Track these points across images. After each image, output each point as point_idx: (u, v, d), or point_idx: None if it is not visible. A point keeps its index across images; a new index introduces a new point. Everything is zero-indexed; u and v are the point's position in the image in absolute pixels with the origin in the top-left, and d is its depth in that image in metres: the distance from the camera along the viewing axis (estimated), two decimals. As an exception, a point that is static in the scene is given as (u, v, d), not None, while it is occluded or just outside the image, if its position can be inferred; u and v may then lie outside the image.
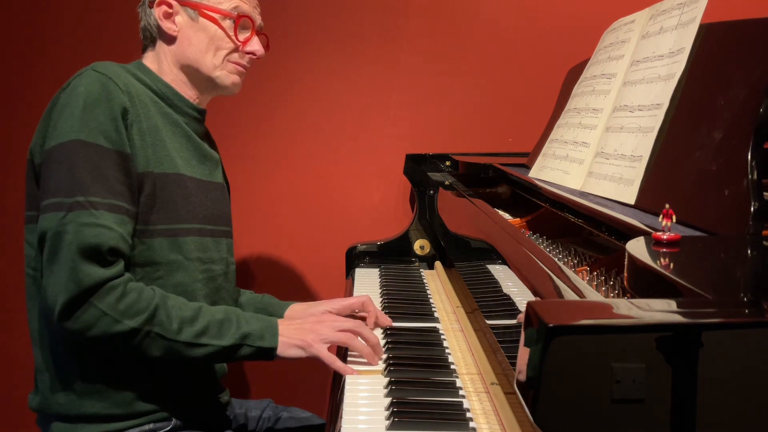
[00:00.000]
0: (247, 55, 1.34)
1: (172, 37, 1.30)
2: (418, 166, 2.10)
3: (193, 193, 1.28)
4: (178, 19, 1.30)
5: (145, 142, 1.20)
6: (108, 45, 2.12)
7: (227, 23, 1.30)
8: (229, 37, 1.30)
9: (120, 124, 1.16)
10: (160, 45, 1.32)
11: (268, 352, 1.18)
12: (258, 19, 1.36)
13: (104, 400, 1.19)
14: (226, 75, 1.33)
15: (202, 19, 1.29)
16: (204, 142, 1.36)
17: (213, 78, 1.32)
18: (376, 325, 1.37)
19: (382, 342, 1.30)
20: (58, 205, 1.11)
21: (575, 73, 1.63)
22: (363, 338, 1.21)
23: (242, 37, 1.32)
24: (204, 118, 1.38)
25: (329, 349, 1.21)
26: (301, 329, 1.21)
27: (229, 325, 1.17)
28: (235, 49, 1.32)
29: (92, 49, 2.14)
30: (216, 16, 1.30)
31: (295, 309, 1.44)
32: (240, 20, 1.31)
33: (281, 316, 1.43)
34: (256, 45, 1.34)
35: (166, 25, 1.29)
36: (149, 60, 1.33)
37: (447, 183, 1.88)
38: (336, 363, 1.17)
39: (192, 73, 1.32)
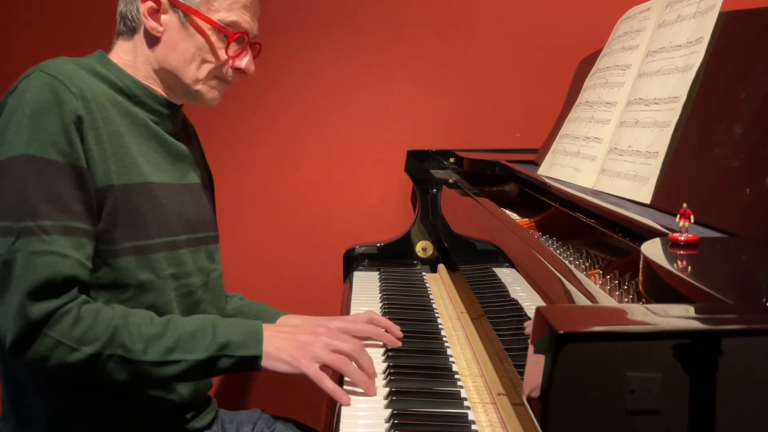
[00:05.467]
0: (236, 71, 1.29)
1: (155, 38, 1.24)
2: (420, 163, 2.10)
3: (164, 202, 1.23)
4: (164, 18, 1.23)
5: (105, 152, 1.14)
6: (66, 35, 2.09)
7: (220, 36, 1.24)
8: (216, 53, 1.24)
9: (73, 135, 1.10)
10: (139, 39, 1.25)
11: (252, 362, 1.13)
12: (254, 30, 1.30)
13: (75, 429, 1.17)
14: (207, 90, 1.27)
15: (193, 26, 1.23)
16: (178, 140, 1.30)
17: (192, 91, 1.26)
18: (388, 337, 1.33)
19: (381, 350, 1.30)
20: (7, 230, 1.06)
21: (587, 65, 1.63)
22: (359, 366, 1.14)
23: (233, 49, 1.26)
24: (177, 113, 1.32)
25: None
26: (291, 340, 1.15)
27: (203, 336, 1.12)
28: (224, 64, 1.27)
29: (47, 40, 2.10)
30: (208, 28, 1.23)
31: (288, 322, 1.39)
32: (235, 37, 1.25)
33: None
34: (249, 63, 1.29)
35: (150, 24, 1.22)
36: (122, 51, 1.26)
37: (451, 181, 1.88)
38: (324, 382, 1.10)
39: (170, 79, 1.26)
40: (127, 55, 1.26)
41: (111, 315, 1.10)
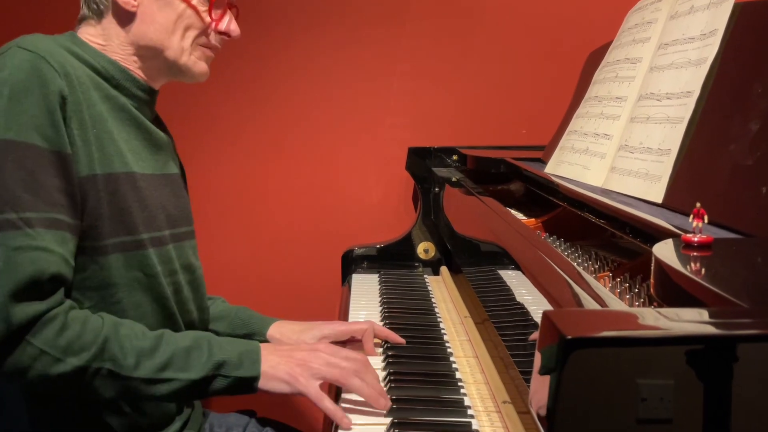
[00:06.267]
0: (220, 36, 1.26)
1: (129, 14, 1.18)
2: (421, 161, 2.10)
3: (149, 195, 1.20)
4: None
5: (88, 138, 1.10)
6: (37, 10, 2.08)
7: None
8: (198, 17, 1.22)
9: (58, 117, 1.05)
10: (110, 21, 1.20)
11: (249, 383, 1.10)
12: None
13: None
14: (194, 62, 1.24)
15: None
16: (156, 127, 1.28)
17: (179, 64, 1.23)
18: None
19: (381, 357, 1.30)
20: None
21: (596, 58, 1.63)
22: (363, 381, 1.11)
23: (215, 12, 1.24)
24: (155, 99, 1.30)
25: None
26: (289, 358, 1.12)
27: (198, 354, 1.09)
28: (206, 29, 1.24)
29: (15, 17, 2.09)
30: None
31: (282, 329, 1.38)
32: None
33: (264, 334, 1.39)
34: (232, 24, 1.26)
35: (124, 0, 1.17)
36: (91, 35, 1.21)
37: (454, 179, 1.88)
38: (324, 402, 1.08)
39: (152, 56, 1.22)
40: (98, 39, 1.21)
41: (100, 324, 1.07)
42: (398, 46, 2.18)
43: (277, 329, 1.39)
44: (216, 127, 2.19)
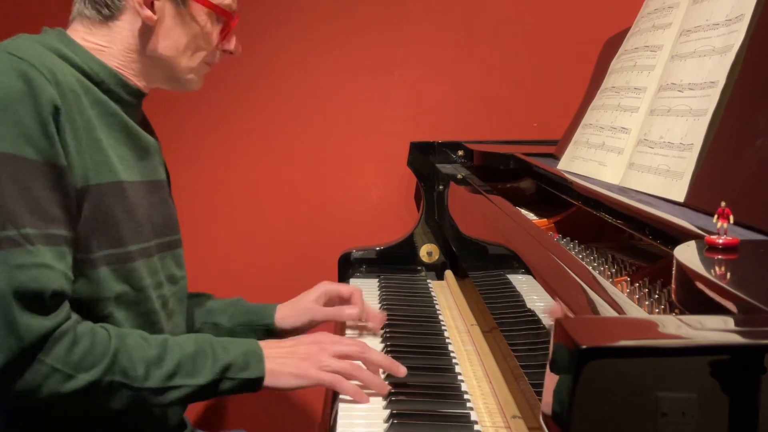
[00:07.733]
0: (223, 53, 1.34)
1: (145, 26, 1.23)
2: (425, 157, 2.10)
3: (136, 204, 1.23)
4: (158, 5, 1.22)
5: (82, 147, 1.13)
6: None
7: (214, 19, 1.28)
8: (209, 39, 1.28)
9: (51, 128, 1.07)
10: (120, 26, 1.23)
11: (255, 383, 1.17)
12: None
13: None
14: (198, 79, 1.32)
15: (190, 13, 1.25)
16: (143, 129, 1.30)
17: (181, 80, 1.30)
18: (367, 320, 1.50)
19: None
20: None
21: (613, 45, 1.63)
22: (369, 363, 1.22)
23: (224, 32, 1.32)
24: (142, 102, 1.32)
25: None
26: (293, 354, 1.20)
27: (204, 359, 1.15)
28: (215, 49, 1.31)
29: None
30: (205, 12, 1.26)
31: (283, 313, 1.47)
32: (234, 20, 1.30)
33: (271, 322, 1.46)
34: (237, 44, 1.35)
35: (145, 14, 1.21)
36: (91, 35, 1.23)
37: (459, 176, 1.88)
38: (343, 384, 1.17)
39: (155, 65, 1.27)
40: (99, 41, 1.23)
41: (107, 336, 1.11)
42: (399, 33, 2.18)
43: (279, 314, 1.47)
44: (204, 122, 2.19)
